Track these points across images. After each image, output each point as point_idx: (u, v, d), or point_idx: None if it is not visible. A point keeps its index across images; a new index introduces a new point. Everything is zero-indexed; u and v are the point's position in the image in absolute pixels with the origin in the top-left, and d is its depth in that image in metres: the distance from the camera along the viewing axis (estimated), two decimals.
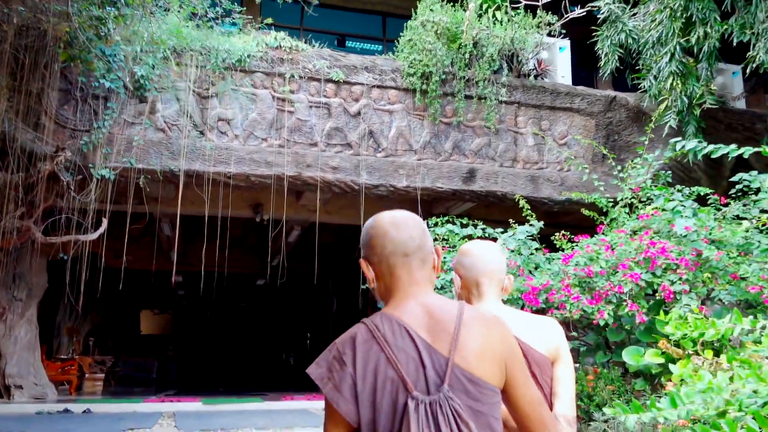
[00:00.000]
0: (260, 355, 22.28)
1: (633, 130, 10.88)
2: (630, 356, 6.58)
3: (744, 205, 6.65)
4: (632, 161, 9.01)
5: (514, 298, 6.74)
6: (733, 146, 6.54)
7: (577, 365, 7.28)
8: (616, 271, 6.67)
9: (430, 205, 11.40)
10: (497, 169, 10.32)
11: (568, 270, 6.75)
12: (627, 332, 7.03)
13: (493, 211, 10.44)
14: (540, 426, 1.57)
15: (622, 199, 8.14)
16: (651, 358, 6.38)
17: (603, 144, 11.02)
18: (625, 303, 6.28)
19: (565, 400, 2.11)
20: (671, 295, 6.19)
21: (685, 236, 6.26)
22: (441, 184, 10.04)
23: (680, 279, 6.19)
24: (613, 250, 6.71)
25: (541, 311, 6.90)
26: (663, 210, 7.05)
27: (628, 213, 8.14)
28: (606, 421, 6.44)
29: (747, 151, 6.48)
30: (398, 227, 1.59)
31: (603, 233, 7.69)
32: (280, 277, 10.90)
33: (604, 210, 8.27)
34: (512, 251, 6.76)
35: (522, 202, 7.85)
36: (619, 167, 10.00)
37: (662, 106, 9.33)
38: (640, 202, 8.07)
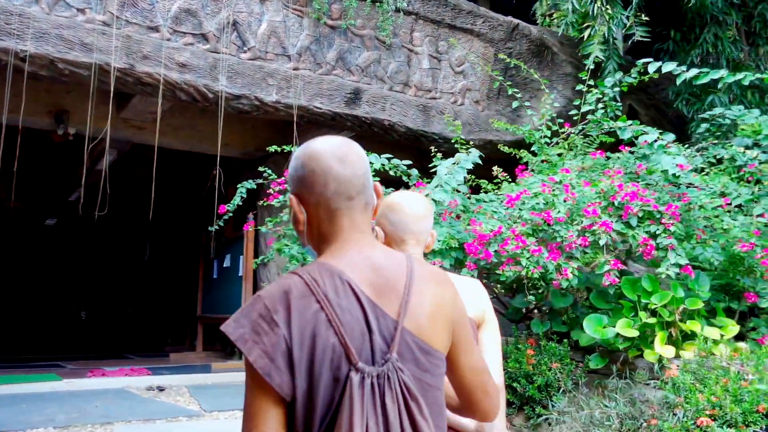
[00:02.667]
0: (52, 312, 18.49)
1: (532, 65, 9.58)
2: (591, 327, 5.17)
3: (723, 147, 5.48)
4: (548, 94, 7.67)
5: (448, 248, 4.99)
6: (724, 71, 5.32)
7: (505, 338, 5.78)
8: (573, 219, 5.18)
9: (301, 131, 9.23)
10: (386, 93, 8.44)
11: (522, 214, 5.10)
12: (573, 297, 5.64)
13: (372, 145, 8.58)
14: (483, 396, 1.38)
15: (541, 137, 6.69)
16: (623, 329, 5.03)
17: (501, 78, 9.63)
18: (599, 258, 4.80)
19: (493, 366, 1.97)
20: (652, 252, 4.82)
21: (673, 177, 4.89)
22: (320, 104, 7.93)
23: (665, 231, 4.84)
24: (574, 191, 5.18)
25: (485, 269, 5.24)
26: (631, 146, 5.70)
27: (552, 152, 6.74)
28: (559, 413, 5.00)
29: (747, 77, 5.28)
30: (344, 162, 1.28)
31: (538, 173, 6.19)
32: (78, 216, 8.11)
33: (531, 146, 6.80)
34: (455, 190, 4.95)
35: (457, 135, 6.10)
36: (517, 104, 8.67)
37: (586, 33, 8.08)
38: (565, 139, 6.72)
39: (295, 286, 1.19)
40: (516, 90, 9.93)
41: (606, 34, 7.64)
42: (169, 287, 15.03)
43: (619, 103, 6.05)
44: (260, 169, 6.96)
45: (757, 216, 5.06)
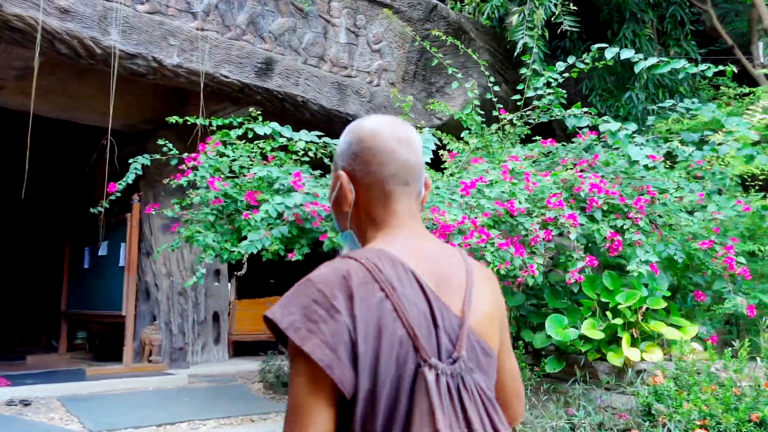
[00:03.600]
0: None
1: (448, 51, 9.17)
2: (553, 328, 4.77)
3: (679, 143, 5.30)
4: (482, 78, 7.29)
5: None
6: (684, 61, 5.12)
7: None
8: (532, 211, 4.77)
9: (195, 104, 8.15)
10: (301, 66, 7.62)
11: (482, 203, 4.60)
12: (526, 295, 5.24)
13: (280, 124, 7.75)
14: (515, 400, 1.28)
15: (481, 122, 6.30)
16: (589, 331, 4.66)
17: (416, 61, 9.13)
18: (573, 254, 4.41)
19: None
20: (618, 248, 4.50)
21: (644, 169, 4.59)
22: (228, 72, 6.97)
23: (634, 226, 4.54)
24: (535, 181, 4.76)
25: None
26: (597, 138, 5.36)
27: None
28: (522, 423, 4.55)
29: (711, 68, 5.11)
30: (405, 144, 1.18)
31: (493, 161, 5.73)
32: None
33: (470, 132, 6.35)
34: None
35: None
36: (433, 89, 8.22)
37: (514, 19, 7.75)
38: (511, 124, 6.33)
39: (354, 270, 1.04)
40: (426, 75, 9.51)
41: (535, 20, 7.36)
42: (23, 277, 13.07)
43: (563, 91, 5.72)
44: (160, 141, 5.92)
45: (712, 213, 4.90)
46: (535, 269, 4.38)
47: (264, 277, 18.48)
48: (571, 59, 5.54)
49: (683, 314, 5.10)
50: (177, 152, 5.85)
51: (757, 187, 6.27)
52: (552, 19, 7.45)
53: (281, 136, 5.36)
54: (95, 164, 11.29)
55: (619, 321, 4.53)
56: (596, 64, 5.54)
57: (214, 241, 4.99)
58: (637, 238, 4.47)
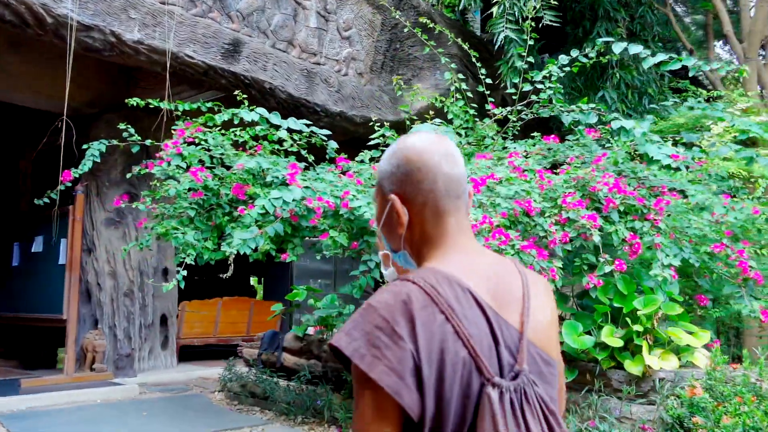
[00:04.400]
0: None
1: (417, 42, 8.83)
2: (569, 335, 4.51)
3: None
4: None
5: None
6: (693, 59, 4.98)
7: None
8: (544, 211, 4.50)
9: (147, 87, 7.47)
10: (269, 50, 7.07)
11: (499, 202, 4.28)
12: None
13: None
14: (563, 407, 1.28)
15: (471, 116, 6.01)
16: (608, 338, 4.42)
17: (384, 51, 8.73)
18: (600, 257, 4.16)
19: None
20: (638, 251, 4.29)
21: (667, 169, 4.40)
22: (192, 52, 6.34)
23: (653, 228, 4.34)
24: (550, 180, 4.49)
25: None
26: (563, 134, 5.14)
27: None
28: None
29: (725, 66, 4.98)
30: (450, 159, 1.18)
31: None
32: None
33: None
34: None
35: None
36: (401, 82, 7.90)
37: (495, 10, 7.47)
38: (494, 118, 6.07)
39: (413, 294, 1.03)
40: (394, 66, 9.13)
41: (517, 13, 7.12)
42: None
43: (560, 86, 5.49)
44: (122, 126, 5.27)
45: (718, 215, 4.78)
46: (555, 273, 4.10)
47: (212, 276, 17.58)
48: (575, 52, 5.30)
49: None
50: (135, 138, 5.25)
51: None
52: (535, 12, 7.23)
53: (269, 124, 4.84)
54: (20, 151, 10.25)
55: (639, 327, 4.31)
56: (601, 59, 5.32)
57: (194, 239, 4.42)
58: (658, 241, 4.27)
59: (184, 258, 4.38)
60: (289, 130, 5.02)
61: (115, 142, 5.35)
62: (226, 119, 4.81)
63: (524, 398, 1.03)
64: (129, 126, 5.31)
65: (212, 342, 9.24)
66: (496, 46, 7.56)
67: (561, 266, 4.17)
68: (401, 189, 1.17)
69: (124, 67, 7.27)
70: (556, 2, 7.19)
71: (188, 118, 5.35)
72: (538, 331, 1.13)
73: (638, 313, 4.37)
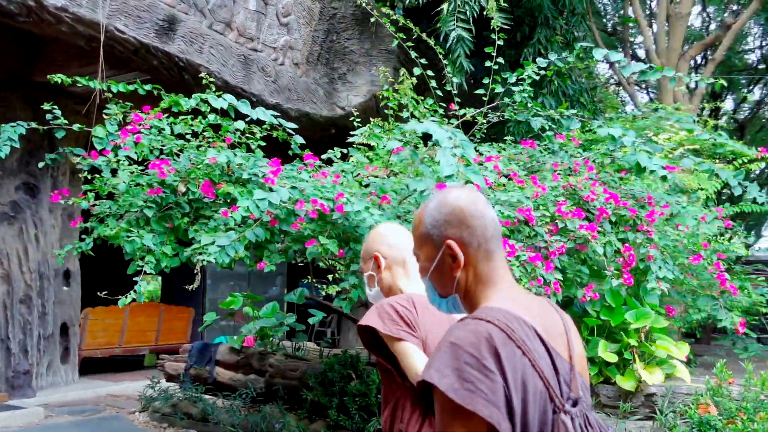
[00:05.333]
0: None
1: (353, 35, 8.43)
2: None
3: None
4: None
5: None
6: (672, 70, 4.99)
7: None
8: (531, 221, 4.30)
9: (57, 61, 6.52)
10: (206, 31, 6.38)
11: (499, 210, 4.02)
12: None
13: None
14: None
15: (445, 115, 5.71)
16: (605, 353, 4.26)
17: (321, 42, 8.24)
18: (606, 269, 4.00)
19: None
20: (632, 263, 4.20)
21: (662, 180, 4.33)
22: (124, 26, 5.56)
23: (647, 240, 4.27)
24: (545, 187, 4.31)
25: None
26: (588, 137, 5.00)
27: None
28: None
29: (704, 79, 5.00)
30: (489, 205, 1.35)
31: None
32: None
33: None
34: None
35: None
36: (336, 76, 7.54)
37: (445, 7, 7.21)
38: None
39: (493, 332, 1.14)
40: (330, 59, 8.68)
41: (468, 11, 6.91)
42: None
43: (530, 89, 5.32)
44: (46, 106, 4.46)
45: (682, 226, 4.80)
46: (559, 286, 3.88)
47: (118, 278, 16.04)
48: (553, 56, 5.14)
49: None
50: (62, 121, 4.48)
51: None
52: (486, 13, 7.06)
53: (237, 113, 4.26)
54: None
55: (634, 341, 4.20)
56: (579, 64, 5.20)
57: (154, 244, 3.77)
58: (653, 253, 4.18)
59: (142, 267, 3.71)
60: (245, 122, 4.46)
61: (33, 124, 4.53)
62: (193, 105, 4.17)
63: (587, 423, 1.17)
64: (56, 107, 4.51)
65: (117, 353, 8.28)
66: (448, 44, 7.31)
67: (562, 278, 3.97)
68: (458, 234, 1.28)
69: (23, 39, 6.27)
70: (505, 4, 7.06)
71: (121, 101, 4.64)
72: (579, 361, 1.25)
73: (631, 327, 4.26)
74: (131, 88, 4.70)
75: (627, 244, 4.21)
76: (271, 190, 3.67)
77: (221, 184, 3.80)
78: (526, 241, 4.11)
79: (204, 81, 4.64)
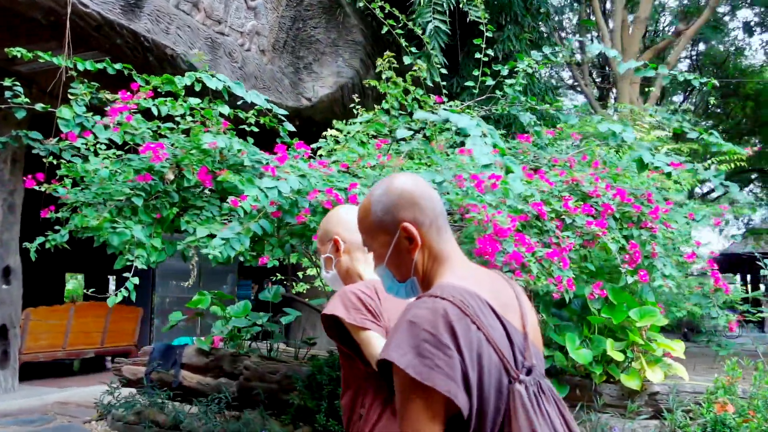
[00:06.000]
0: None
1: (320, 24, 8.13)
2: (571, 348, 4.18)
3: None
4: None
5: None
6: (664, 68, 4.98)
7: None
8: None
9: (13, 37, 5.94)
10: (173, 10, 5.95)
11: (510, 203, 3.88)
12: None
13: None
14: None
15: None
16: (612, 352, 4.17)
17: (287, 29, 7.90)
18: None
19: None
20: (638, 260, 4.15)
21: (667, 176, 4.30)
22: (88, 1, 5.08)
23: (651, 236, 4.23)
24: (552, 182, 4.22)
25: None
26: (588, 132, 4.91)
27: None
28: None
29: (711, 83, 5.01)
30: (430, 186, 1.41)
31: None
32: None
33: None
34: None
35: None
36: (301, 65, 7.29)
37: None
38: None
39: (448, 308, 1.17)
40: (296, 47, 8.37)
41: (445, 3, 6.75)
42: None
43: (523, 81, 5.22)
44: (7, 82, 3.99)
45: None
46: (572, 284, 3.76)
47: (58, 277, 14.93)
48: (546, 49, 5.05)
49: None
50: (22, 100, 4.05)
51: None
52: (461, 6, 6.92)
53: (231, 96, 3.92)
54: None
55: (639, 339, 4.14)
56: (580, 58, 5.12)
57: (144, 236, 3.39)
58: (658, 250, 4.14)
59: (132, 262, 3.33)
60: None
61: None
62: (187, 83, 3.80)
63: (540, 390, 1.19)
64: (16, 83, 4.04)
65: (60, 356, 7.65)
66: (427, 34, 7.12)
67: (572, 275, 3.85)
68: (412, 215, 1.32)
69: None
70: None
71: (86, 81, 4.22)
72: (532, 331, 1.29)
73: (636, 325, 4.20)
74: (99, 66, 4.28)
75: (632, 241, 4.15)
76: (278, 178, 3.37)
77: (222, 171, 3.46)
78: (537, 237, 3.98)
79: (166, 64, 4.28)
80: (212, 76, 3.85)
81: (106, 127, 3.52)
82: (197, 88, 3.79)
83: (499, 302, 1.26)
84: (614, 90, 10.55)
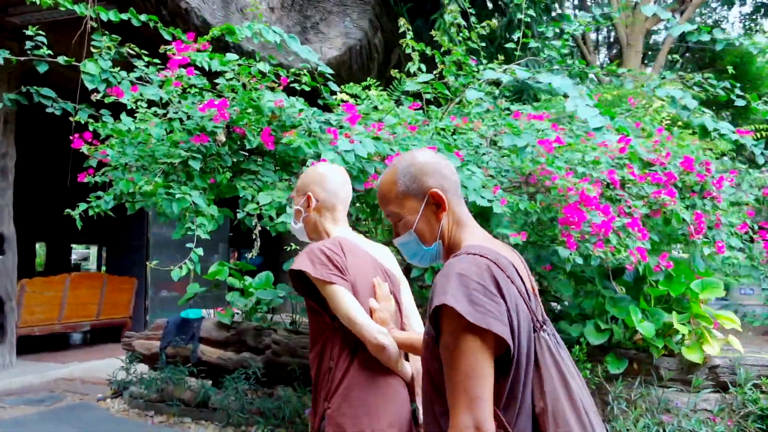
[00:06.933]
0: None
1: None
2: (638, 322, 4.04)
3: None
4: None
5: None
6: (720, 31, 4.81)
7: None
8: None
9: None
10: None
11: (588, 172, 3.69)
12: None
13: (143, 42, 5.48)
14: None
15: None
16: (678, 325, 4.05)
17: None
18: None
19: (419, 320, 2.01)
20: (702, 230, 4.01)
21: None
22: None
23: (714, 207, 4.10)
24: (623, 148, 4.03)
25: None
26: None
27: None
28: None
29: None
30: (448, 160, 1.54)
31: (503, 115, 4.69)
32: None
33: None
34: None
35: None
36: (308, 25, 6.99)
37: None
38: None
39: (489, 264, 1.28)
40: (302, 7, 7.99)
41: None
42: None
43: (561, 47, 4.99)
44: (30, 31, 3.59)
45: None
46: (646, 255, 3.60)
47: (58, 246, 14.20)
48: (596, 10, 4.82)
49: None
50: (44, 51, 3.68)
51: None
52: None
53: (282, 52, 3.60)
54: None
55: (702, 312, 4.03)
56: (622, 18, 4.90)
57: (203, 203, 3.09)
58: (723, 220, 4.01)
59: (194, 231, 3.03)
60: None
61: (6, 54, 3.68)
62: (249, 35, 3.47)
63: (556, 339, 1.36)
64: (41, 32, 3.65)
65: (57, 330, 7.25)
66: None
67: (648, 247, 3.69)
68: (439, 183, 1.43)
69: None
70: None
71: (106, 33, 3.86)
72: (534, 288, 1.42)
73: (700, 297, 4.09)
74: (123, 17, 3.90)
75: (697, 211, 4.01)
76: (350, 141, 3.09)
77: (290, 133, 3.15)
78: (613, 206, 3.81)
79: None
80: (266, 27, 3.52)
81: (164, 81, 3.17)
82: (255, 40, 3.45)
83: (515, 263, 1.36)
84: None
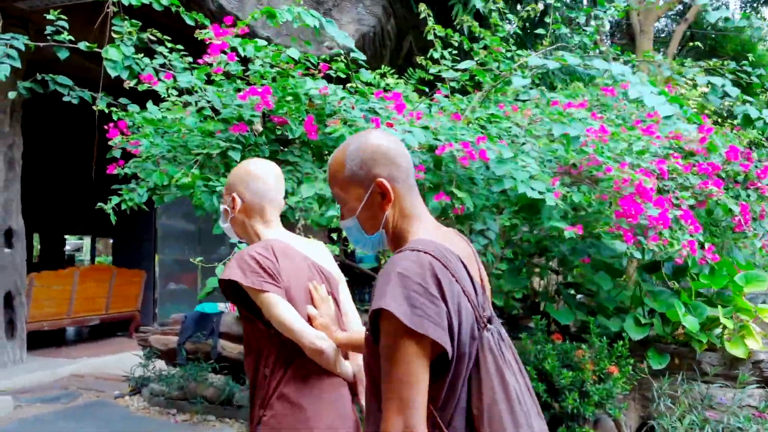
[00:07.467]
0: None
1: None
2: (682, 316, 3.92)
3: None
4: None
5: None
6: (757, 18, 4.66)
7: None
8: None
9: None
10: None
11: (636, 162, 3.57)
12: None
13: (158, 24, 5.26)
14: None
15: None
16: (724, 320, 3.93)
17: None
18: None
19: (357, 317, 1.99)
20: (747, 222, 3.91)
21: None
22: None
23: (759, 197, 3.99)
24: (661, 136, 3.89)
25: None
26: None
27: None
28: None
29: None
30: (403, 144, 1.47)
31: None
32: None
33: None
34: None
35: None
36: (321, 11, 6.81)
37: None
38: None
39: (432, 262, 1.24)
40: None
41: None
42: None
43: (593, 34, 4.84)
44: (52, 15, 3.44)
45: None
46: (695, 247, 3.48)
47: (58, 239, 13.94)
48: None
49: None
50: (65, 37, 3.54)
51: None
52: None
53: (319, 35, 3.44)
54: None
55: (746, 306, 3.92)
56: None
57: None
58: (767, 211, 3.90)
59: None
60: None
61: (25, 39, 3.53)
62: (289, 19, 3.31)
63: (500, 336, 1.34)
64: (63, 17, 3.50)
65: (66, 324, 7.08)
66: None
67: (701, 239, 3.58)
68: (387, 171, 1.35)
69: None
70: None
71: (126, 17, 3.71)
72: (484, 284, 1.41)
73: (744, 291, 3.98)
74: (145, 1, 3.74)
75: (742, 201, 3.89)
76: (406, 130, 2.94)
77: (335, 121, 3.00)
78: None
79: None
80: (302, 9, 3.36)
81: (208, 65, 3.00)
82: (295, 24, 3.29)
83: (464, 257, 1.33)
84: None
